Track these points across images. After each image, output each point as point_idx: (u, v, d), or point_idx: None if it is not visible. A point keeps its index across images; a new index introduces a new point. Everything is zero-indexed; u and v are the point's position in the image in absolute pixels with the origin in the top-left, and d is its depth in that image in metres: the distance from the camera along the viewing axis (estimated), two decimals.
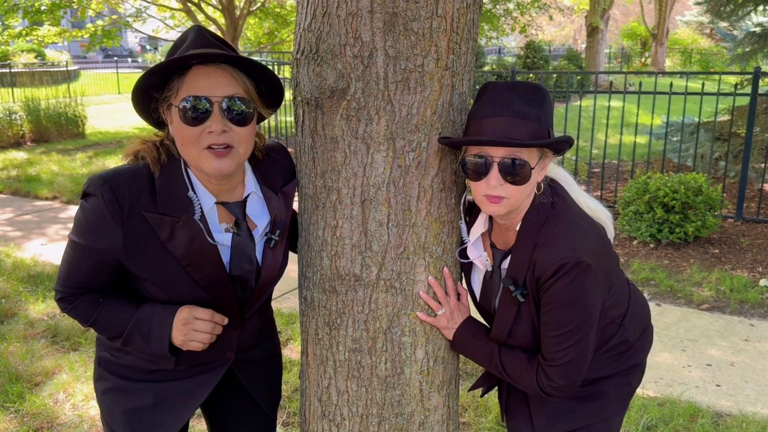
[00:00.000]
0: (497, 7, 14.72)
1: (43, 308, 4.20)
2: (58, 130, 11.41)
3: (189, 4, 11.82)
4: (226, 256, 1.46)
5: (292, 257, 1.64)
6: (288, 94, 6.55)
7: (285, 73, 10.15)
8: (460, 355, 1.68)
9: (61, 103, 11.59)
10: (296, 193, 1.61)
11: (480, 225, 1.56)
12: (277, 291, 4.54)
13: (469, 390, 1.93)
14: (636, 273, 4.87)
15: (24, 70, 18.88)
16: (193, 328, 1.41)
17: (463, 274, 1.65)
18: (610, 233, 1.54)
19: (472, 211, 1.63)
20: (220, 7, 11.85)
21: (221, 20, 12.07)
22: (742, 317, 4.14)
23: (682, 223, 5.23)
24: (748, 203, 6.33)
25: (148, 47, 38.36)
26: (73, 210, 6.84)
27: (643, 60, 28.83)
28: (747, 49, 8.10)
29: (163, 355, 1.45)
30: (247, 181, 1.51)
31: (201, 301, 1.46)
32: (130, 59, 34.90)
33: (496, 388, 1.77)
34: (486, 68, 17.51)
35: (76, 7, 11.60)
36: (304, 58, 1.45)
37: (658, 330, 3.90)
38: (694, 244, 5.38)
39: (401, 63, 1.40)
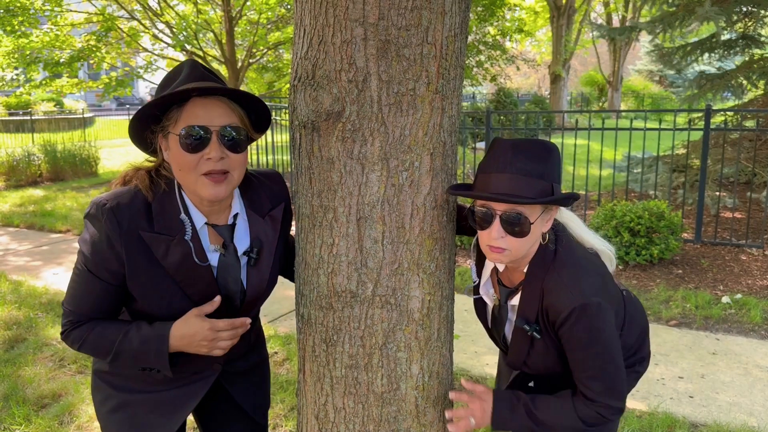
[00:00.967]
0: (470, 59, 14.99)
1: (52, 333, 4.01)
2: (73, 169, 11.27)
3: (194, 57, 11.85)
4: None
5: (282, 280, 1.55)
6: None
7: (282, 114, 10.14)
8: (454, 369, 1.61)
9: (76, 145, 11.51)
10: (293, 216, 1.53)
11: (489, 266, 1.57)
12: (275, 313, 4.39)
13: None
14: None
15: (43, 117, 18.78)
16: (220, 338, 1.38)
17: (474, 307, 1.65)
18: (611, 266, 1.53)
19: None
20: (222, 60, 11.90)
21: (224, 72, 12.11)
22: (708, 332, 4.04)
23: (647, 246, 5.18)
24: (705, 227, 6.31)
25: None
26: None
27: (600, 104, 29.27)
28: (695, 91, 8.22)
29: (163, 366, 1.37)
30: (233, 203, 1.46)
31: None
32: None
33: None
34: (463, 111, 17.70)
35: (92, 61, 11.60)
36: (301, 84, 1.38)
37: None
38: (659, 266, 5.32)
39: (394, 87, 1.33)
